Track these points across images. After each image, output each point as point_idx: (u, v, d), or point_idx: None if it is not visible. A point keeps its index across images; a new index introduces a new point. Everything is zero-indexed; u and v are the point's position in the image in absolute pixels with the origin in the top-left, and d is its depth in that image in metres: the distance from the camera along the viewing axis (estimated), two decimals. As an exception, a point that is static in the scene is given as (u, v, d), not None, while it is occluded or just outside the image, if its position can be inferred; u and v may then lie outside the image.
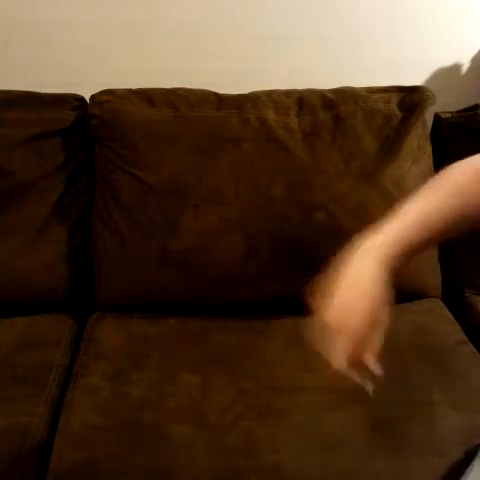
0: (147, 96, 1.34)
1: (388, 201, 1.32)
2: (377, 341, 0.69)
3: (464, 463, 0.91)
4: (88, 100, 1.36)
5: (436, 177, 0.81)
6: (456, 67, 1.56)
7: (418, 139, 1.37)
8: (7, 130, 1.33)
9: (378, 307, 0.69)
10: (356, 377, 0.70)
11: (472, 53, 1.54)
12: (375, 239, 0.72)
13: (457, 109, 1.47)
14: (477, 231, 0.76)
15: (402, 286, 1.36)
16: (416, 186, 1.37)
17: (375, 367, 0.68)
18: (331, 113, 1.33)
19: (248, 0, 1.45)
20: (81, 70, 1.48)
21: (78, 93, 1.40)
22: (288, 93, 1.37)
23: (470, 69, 1.56)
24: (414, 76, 1.52)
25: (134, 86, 1.36)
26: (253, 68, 1.50)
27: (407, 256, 0.73)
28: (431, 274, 1.40)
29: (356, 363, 0.69)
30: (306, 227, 1.30)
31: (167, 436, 1.01)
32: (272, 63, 1.51)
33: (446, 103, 1.46)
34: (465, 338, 1.25)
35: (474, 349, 1.22)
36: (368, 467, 0.96)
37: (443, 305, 1.37)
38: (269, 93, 1.37)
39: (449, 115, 1.46)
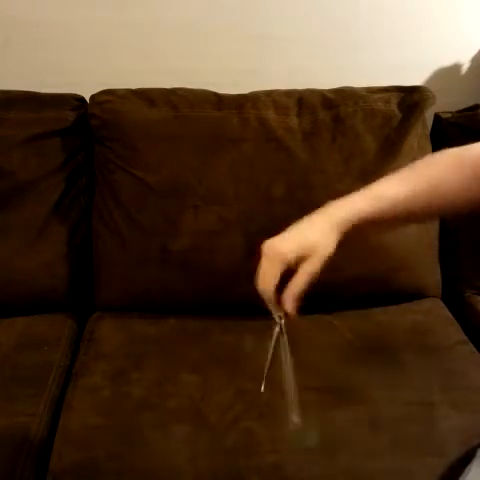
0: (147, 96, 1.34)
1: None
2: (301, 283, 0.73)
3: (464, 463, 0.91)
4: (88, 100, 1.36)
5: (418, 161, 0.84)
6: (456, 67, 1.56)
7: (418, 139, 1.37)
8: (7, 130, 1.33)
9: (311, 250, 0.73)
10: (272, 307, 0.75)
11: (472, 53, 1.54)
12: (337, 204, 0.79)
13: (457, 109, 1.47)
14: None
15: (402, 286, 1.38)
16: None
17: (289, 306, 0.73)
18: (331, 113, 1.33)
19: (248, 0, 1.45)
20: (81, 70, 1.47)
21: (78, 93, 1.40)
22: (288, 93, 1.37)
23: (470, 69, 1.56)
24: (414, 76, 1.52)
25: (134, 86, 1.36)
26: (253, 68, 1.49)
27: (363, 228, 0.77)
28: (431, 274, 1.40)
29: (277, 296, 0.74)
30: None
31: (167, 436, 1.01)
32: (272, 63, 1.51)
33: (446, 103, 1.46)
34: (465, 338, 1.25)
35: (474, 349, 1.22)
36: (368, 467, 0.96)
37: (443, 305, 1.37)
38: (269, 93, 1.37)
39: (449, 115, 1.46)
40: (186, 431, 1.02)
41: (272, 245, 0.75)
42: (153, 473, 0.96)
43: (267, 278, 0.73)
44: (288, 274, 0.74)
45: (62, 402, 1.10)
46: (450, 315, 1.33)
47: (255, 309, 1.31)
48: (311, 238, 0.75)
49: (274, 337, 0.78)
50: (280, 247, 0.75)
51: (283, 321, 0.76)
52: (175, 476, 0.96)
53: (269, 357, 0.77)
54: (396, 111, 1.33)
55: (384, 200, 0.78)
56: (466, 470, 0.88)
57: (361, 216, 0.76)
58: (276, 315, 0.76)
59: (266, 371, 0.79)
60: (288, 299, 0.73)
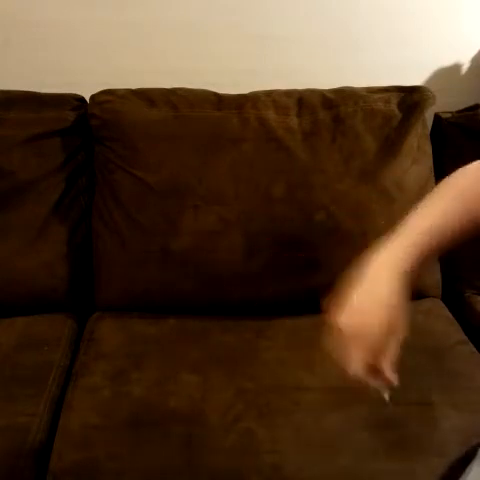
0: (147, 96, 1.34)
1: (388, 201, 1.32)
2: (394, 349, 0.69)
3: (464, 463, 0.91)
4: (88, 100, 1.36)
5: (440, 183, 0.80)
6: (456, 67, 1.56)
7: (418, 139, 1.37)
8: (7, 130, 1.33)
9: (395, 316, 0.69)
10: (373, 384, 0.70)
11: (472, 53, 1.54)
12: (390, 249, 0.72)
13: (457, 109, 1.47)
14: None
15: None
16: (416, 186, 1.39)
17: (391, 375, 0.69)
18: (331, 113, 1.33)
19: (248, 0, 1.45)
20: (81, 70, 1.48)
21: (78, 93, 1.40)
22: (288, 93, 1.37)
23: (470, 69, 1.56)
24: (414, 76, 1.52)
25: (134, 86, 1.36)
26: (253, 68, 1.49)
27: (420, 263, 0.73)
28: (431, 274, 1.40)
29: (373, 371, 0.69)
30: (306, 227, 1.30)
31: (167, 436, 1.01)
32: (272, 63, 1.51)
33: (446, 103, 1.46)
34: (465, 338, 1.25)
35: (474, 349, 1.22)
36: (368, 467, 0.96)
37: (443, 305, 1.37)
38: (269, 93, 1.37)
39: (449, 115, 1.46)
40: (186, 431, 1.02)
41: (358, 330, 0.69)
42: (153, 473, 0.96)
43: (360, 362, 0.69)
44: None
45: (62, 402, 1.10)
46: (450, 315, 1.33)
47: (255, 309, 1.31)
48: (392, 306, 0.69)
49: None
50: (370, 332, 0.68)
51: (389, 396, 0.73)
52: (175, 476, 0.96)
53: None
54: (396, 111, 1.33)
55: (428, 230, 0.74)
56: (467, 470, 0.88)
57: (417, 254, 0.72)
58: (379, 389, 0.72)
59: None
60: (387, 371, 0.69)
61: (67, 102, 1.38)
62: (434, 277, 1.40)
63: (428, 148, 1.40)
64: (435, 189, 0.80)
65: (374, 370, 0.69)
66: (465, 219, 0.76)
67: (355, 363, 0.68)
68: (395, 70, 1.49)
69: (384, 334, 0.68)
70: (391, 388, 0.71)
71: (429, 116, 1.44)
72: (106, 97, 1.33)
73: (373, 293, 0.70)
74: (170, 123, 1.31)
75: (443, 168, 1.43)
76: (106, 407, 1.07)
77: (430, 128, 1.45)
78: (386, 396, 0.73)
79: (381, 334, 0.68)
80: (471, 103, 1.45)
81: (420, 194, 1.26)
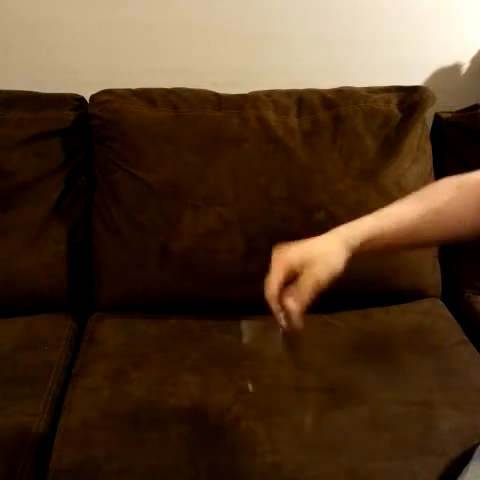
0: (147, 96, 1.34)
1: (388, 201, 1.31)
2: (307, 285, 0.74)
3: (463, 463, 0.91)
4: (88, 100, 1.36)
5: (424, 188, 0.87)
6: (456, 67, 1.56)
7: (418, 139, 1.37)
8: (7, 130, 1.33)
9: (320, 263, 0.75)
10: (276, 310, 0.76)
11: (472, 53, 1.54)
12: (347, 226, 0.81)
13: (457, 109, 1.47)
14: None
15: (402, 286, 1.38)
16: (416, 186, 1.39)
17: (293, 307, 0.74)
18: (331, 113, 1.33)
19: (248, 0, 1.45)
20: (81, 70, 1.48)
21: (78, 93, 1.40)
22: (288, 93, 1.37)
23: (470, 69, 1.56)
24: (414, 76, 1.52)
25: (134, 86, 1.36)
26: (253, 68, 1.49)
27: (368, 250, 0.79)
28: (431, 274, 1.40)
29: (282, 298, 0.76)
30: (306, 227, 1.30)
31: (167, 436, 1.01)
32: (272, 63, 1.51)
33: (446, 103, 1.46)
34: (465, 338, 1.25)
35: (474, 349, 1.22)
36: (368, 467, 0.96)
37: (443, 305, 1.37)
38: (269, 93, 1.37)
39: (449, 115, 1.46)
40: (186, 431, 1.02)
41: (279, 252, 0.78)
42: (153, 473, 0.96)
43: (271, 280, 0.76)
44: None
45: (62, 402, 1.10)
46: (450, 315, 1.33)
47: (255, 309, 1.31)
48: (318, 247, 0.77)
49: (279, 339, 0.79)
50: (286, 253, 0.77)
51: (285, 323, 0.76)
52: (175, 476, 0.96)
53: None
54: (396, 111, 1.33)
55: (391, 218, 0.82)
56: (464, 470, 0.88)
57: (368, 233, 0.79)
58: (279, 317, 0.77)
59: None
60: (290, 299, 0.75)
61: (67, 102, 1.38)
62: (434, 277, 1.40)
63: (428, 148, 1.40)
64: (417, 191, 0.87)
65: (283, 298, 0.75)
66: (433, 230, 0.83)
67: (268, 283, 0.75)
68: (395, 70, 1.49)
69: (299, 266, 0.75)
70: (288, 323, 0.76)
71: (429, 116, 1.44)
72: (106, 97, 1.33)
73: (309, 241, 0.79)
74: (170, 123, 1.31)
75: (443, 168, 1.43)
76: (106, 407, 1.07)
77: (430, 128, 1.45)
78: (250, 387, 0.84)
79: (294, 263, 0.75)
80: (471, 103, 1.45)
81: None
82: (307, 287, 0.74)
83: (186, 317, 1.31)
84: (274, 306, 0.76)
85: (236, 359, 1.18)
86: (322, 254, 0.76)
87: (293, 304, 0.74)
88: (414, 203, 0.84)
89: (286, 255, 0.77)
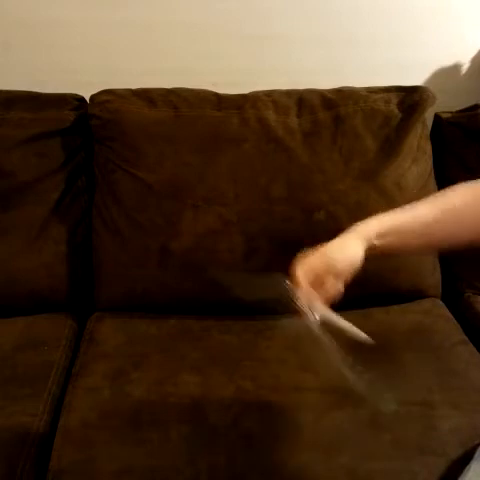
0: (147, 96, 1.34)
1: (388, 201, 1.32)
2: (332, 291, 0.80)
3: (463, 463, 0.91)
4: (88, 100, 1.36)
5: (440, 192, 0.89)
6: (456, 67, 1.56)
7: (418, 139, 1.37)
8: (7, 130, 1.33)
9: (345, 266, 0.80)
10: (302, 304, 0.80)
11: (472, 53, 1.54)
12: (364, 221, 0.84)
13: (457, 109, 1.47)
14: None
15: (402, 286, 1.38)
16: (416, 186, 1.39)
17: (318, 304, 0.79)
18: (331, 113, 1.33)
19: (248, 0, 1.45)
20: (81, 70, 1.48)
21: (78, 93, 1.40)
22: (288, 93, 1.37)
23: (470, 69, 1.56)
24: (414, 76, 1.52)
25: (134, 86, 1.36)
26: (253, 68, 1.50)
27: (385, 245, 0.83)
28: (431, 274, 1.40)
29: (309, 295, 0.80)
30: (306, 227, 1.30)
31: (167, 436, 1.01)
32: (272, 63, 1.51)
33: (446, 103, 1.46)
34: (465, 338, 1.25)
35: (474, 349, 1.22)
36: (368, 467, 0.96)
37: (443, 305, 1.37)
38: (269, 93, 1.37)
39: (449, 115, 1.46)
40: (186, 431, 1.02)
41: (301, 258, 0.82)
42: (153, 473, 0.96)
43: (301, 281, 0.79)
44: None
45: (62, 402, 1.10)
46: (450, 315, 1.33)
47: (255, 309, 1.31)
48: (336, 246, 0.82)
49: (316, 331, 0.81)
50: (308, 259, 0.81)
51: (317, 316, 0.80)
52: (175, 476, 0.96)
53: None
54: (396, 111, 1.33)
55: (408, 214, 0.85)
56: (465, 470, 0.88)
57: (385, 226, 0.83)
58: (305, 311, 0.80)
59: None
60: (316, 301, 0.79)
61: (67, 102, 1.38)
62: (434, 277, 1.40)
63: (428, 148, 1.40)
64: (434, 195, 0.88)
65: (310, 295, 0.79)
66: (448, 234, 0.86)
67: (301, 283, 0.79)
68: (395, 70, 1.49)
69: (333, 270, 0.80)
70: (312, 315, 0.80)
71: (429, 116, 1.44)
72: (106, 97, 1.33)
73: (336, 241, 0.82)
74: (170, 123, 1.31)
75: (443, 168, 1.43)
76: (106, 407, 1.07)
77: (430, 128, 1.45)
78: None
79: (328, 269, 0.80)
80: (471, 103, 1.45)
81: (420, 194, 1.26)
82: (334, 287, 0.79)
83: (186, 317, 1.31)
84: (305, 303, 0.79)
85: (236, 359, 1.18)
86: (341, 251, 0.80)
87: (322, 305, 0.79)
88: (430, 204, 0.86)
89: (309, 261, 0.81)
